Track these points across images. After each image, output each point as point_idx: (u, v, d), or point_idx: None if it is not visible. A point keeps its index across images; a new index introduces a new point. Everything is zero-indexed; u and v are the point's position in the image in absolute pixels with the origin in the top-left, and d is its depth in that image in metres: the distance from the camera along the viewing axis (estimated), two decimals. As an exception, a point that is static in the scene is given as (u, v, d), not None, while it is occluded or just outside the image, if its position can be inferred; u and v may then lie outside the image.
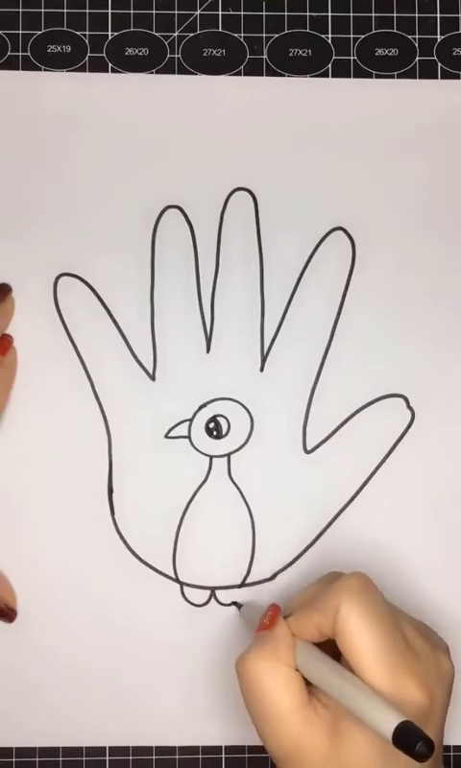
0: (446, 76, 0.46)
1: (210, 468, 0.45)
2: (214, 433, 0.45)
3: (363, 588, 0.36)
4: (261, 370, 0.45)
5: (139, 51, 0.45)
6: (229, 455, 0.45)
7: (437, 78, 0.46)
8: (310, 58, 0.46)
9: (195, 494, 0.44)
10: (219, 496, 0.44)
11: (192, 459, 0.45)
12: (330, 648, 0.37)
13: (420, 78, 0.46)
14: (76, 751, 0.44)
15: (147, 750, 0.44)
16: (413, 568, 0.44)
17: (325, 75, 0.46)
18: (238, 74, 0.45)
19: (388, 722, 0.32)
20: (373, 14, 0.46)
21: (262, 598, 0.44)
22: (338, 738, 0.35)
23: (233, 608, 0.44)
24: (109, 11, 0.45)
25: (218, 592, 0.44)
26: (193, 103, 0.45)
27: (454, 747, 0.45)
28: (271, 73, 0.45)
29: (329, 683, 0.35)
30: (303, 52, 0.46)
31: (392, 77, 0.46)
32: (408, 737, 0.32)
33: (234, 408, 0.45)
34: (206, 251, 0.45)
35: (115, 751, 0.44)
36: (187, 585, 0.44)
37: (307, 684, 0.37)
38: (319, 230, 0.45)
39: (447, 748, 0.45)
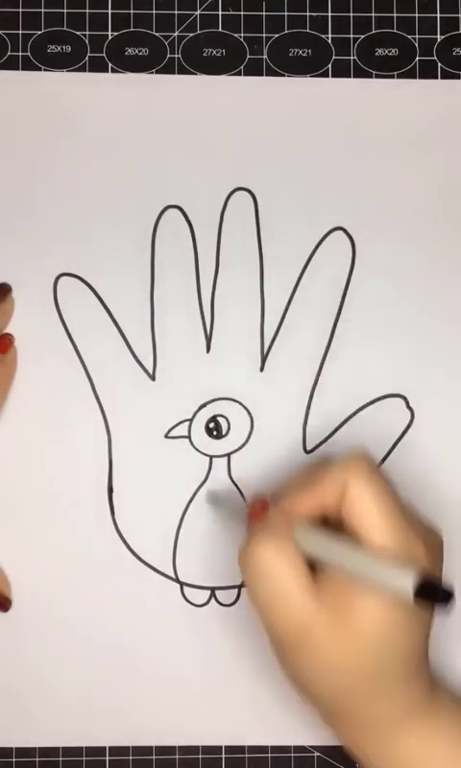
0: (446, 76, 0.46)
1: (210, 467, 0.45)
2: (214, 433, 0.45)
3: (370, 461, 0.38)
4: (261, 369, 0.45)
5: (139, 51, 0.45)
6: (229, 455, 0.45)
7: (437, 78, 0.46)
8: (310, 58, 0.46)
9: (195, 494, 0.44)
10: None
11: (192, 459, 0.45)
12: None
13: (420, 78, 0.46)
14: (76, 751, 0.44)
15: (147, 750, 0.44)
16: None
17: (325, 75, 0.46)
18: (238, 74, 0.45)
19: (406, 577, 0.33)
20: (373, 14, 0.46)
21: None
22: (348, 614, 0.35)
23: (233, 608, 0.44)
24: (109, 11, 0.45)
25: (218, 592, 0.44)
26: (193, 103, 0.45)
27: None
28: (271, 73, 0.45)
29: (337, 554, 0.36)
30: (303, 52, 0.46)
31: (392, 77, 0.46)
32: (429, 589, 0.33)
33: (234, 408, 0.45)
34: (206, 251, 0.45)
35: (115, 751, 0.44)
36: (187, 585, 0.44)
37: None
38: (319, 230, 0.45)
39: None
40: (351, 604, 0.35)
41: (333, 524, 0.38)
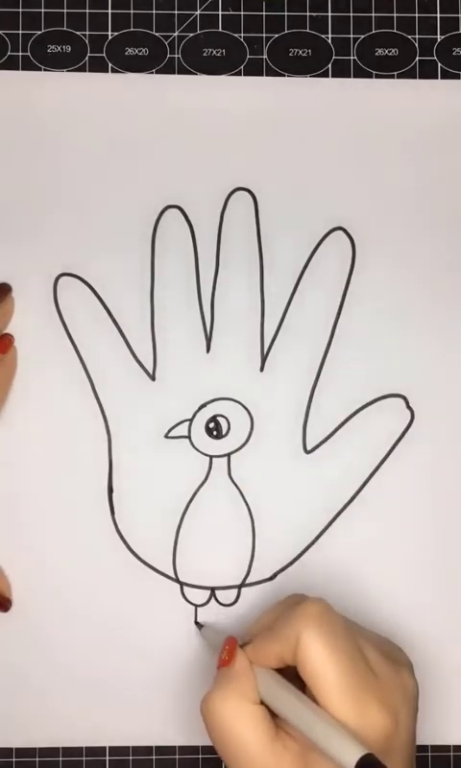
0: (446, 76, 0.46)
1: (210, 468, 0.45)
2: (214, 433, 0.45)
3: (323, 614, 0.37)
4: (261, 370, 0.45)
5: (139, 51, 0.45)
6: (229, 455, 0.45)
7: (437, 78, 0.46)
8: (310, 58, 0.46)
9: (195, 494, 0.44)
10: (219, 496, 0.44)
11: (192, 459, 0.45)
12: (293, 672, 0.37)
13: (420, 78, 0.46)
14: (76, 751, 0.44)
15: (147, 750, 0.44)
16: (412, 568, 0.44)
17: (325, 75, 0.46)
18: (238, 74, 0.45)
19: (349, 755, 0.33)
20: (373, 14, 0.46)
21: (262, 598, 0.44)
22: None
23: (233, 608, 0.44)
24: (109, 11, 0.45)
25: (218, 592, 0.44)
26: (193, 103, 0.45)
27: (454, 747, 0.45)
28: (271, 73, 0.45)
29: (292, 714, 0.35)
30: (303, 52, 0.46)
31: (392, 77, 0.46)
32: None
33: (234, 408, 0.45)
34: (206, 251, 0.45)
35: (115, 751, 0.44)
36: (187, 585, 0.44)
37: (274, 715, 0.37)
38: (319, 230, 0.45)
39: (446, 748, 0.45)
40: (311, 764, 0.35)
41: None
